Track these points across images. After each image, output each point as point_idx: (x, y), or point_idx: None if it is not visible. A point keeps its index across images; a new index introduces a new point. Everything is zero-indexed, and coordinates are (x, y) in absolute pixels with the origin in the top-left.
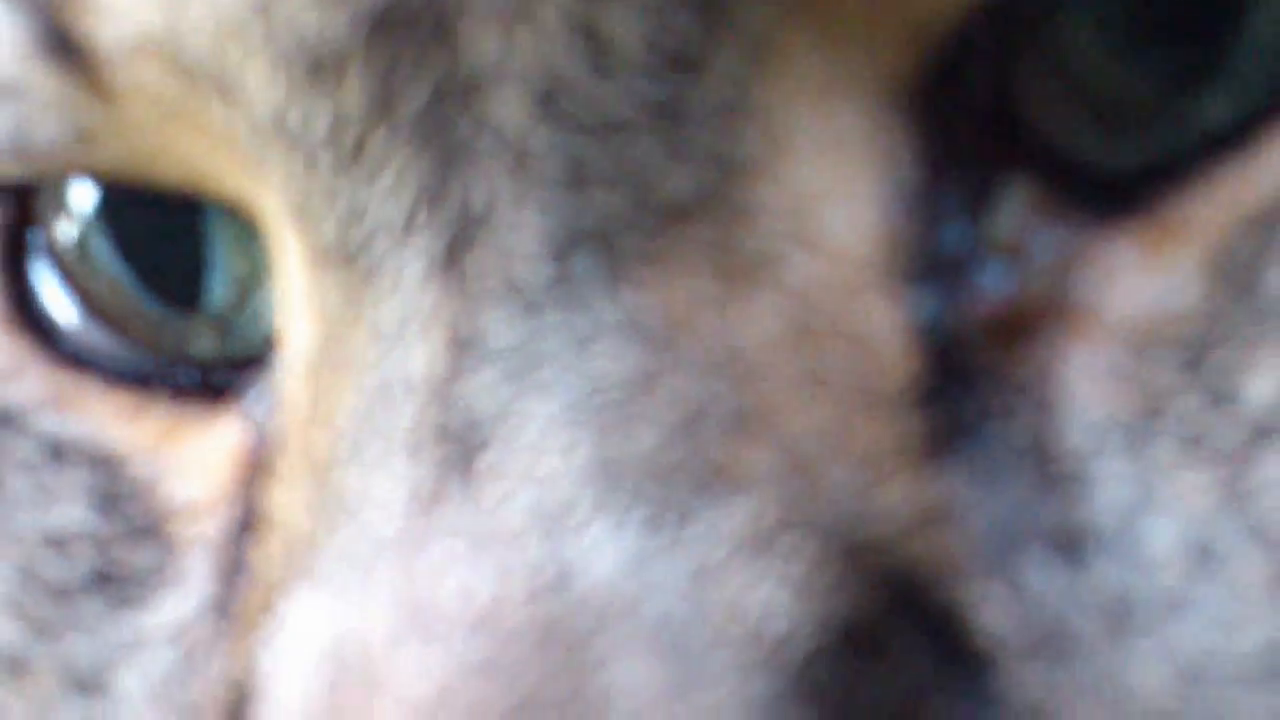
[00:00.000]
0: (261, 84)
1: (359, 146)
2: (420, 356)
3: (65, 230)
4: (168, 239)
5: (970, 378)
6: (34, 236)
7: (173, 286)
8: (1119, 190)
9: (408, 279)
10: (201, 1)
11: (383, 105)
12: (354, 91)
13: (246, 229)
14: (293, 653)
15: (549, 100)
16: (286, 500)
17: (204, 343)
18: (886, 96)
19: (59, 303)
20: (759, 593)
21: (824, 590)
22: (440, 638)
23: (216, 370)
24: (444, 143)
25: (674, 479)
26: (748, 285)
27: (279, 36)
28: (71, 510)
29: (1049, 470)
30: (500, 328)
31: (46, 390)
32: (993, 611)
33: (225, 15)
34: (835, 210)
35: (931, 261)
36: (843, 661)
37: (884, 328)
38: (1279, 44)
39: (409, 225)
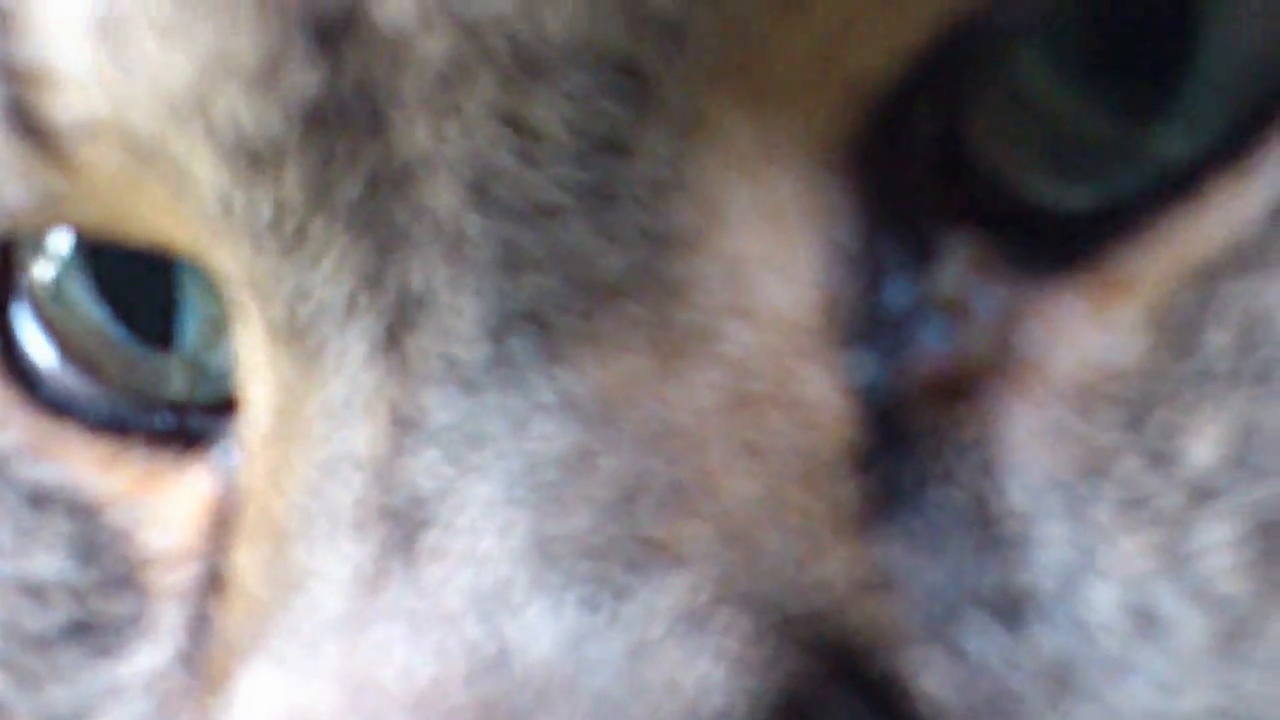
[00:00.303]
0: (207, 171)
1: (300, 233)
2: (364, 435)
3: (42, 273)
4: (141, 279)
5: (910, 440)
6: (16, 284)
7: (147, 326)
8: (1066, 242)
9: (351, 359)
10: (146, 91)
11: (320, 194)
12: (292, 181)
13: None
14: None
15: (479, 188)
16: (247, 564)
17: (177, 383)
18: (823, 158)
19: (39, 348)
20: (695, 669)
21: (760, 664)
22: (383, 717)
23: (191, 414)
24: (381, 229)
25: (610, 557)
26: (683, 359)
27: (218, 128)
28: (51, 559)
29: (989, 533)
30: (440, 408)
31: (28, 438)
32: (934, 678)
33: (168, 106)
34: (772, 278)
35: (872, 322)
36: None
37: (822, 393)
38: (1228, 81)
39: (351, 308)
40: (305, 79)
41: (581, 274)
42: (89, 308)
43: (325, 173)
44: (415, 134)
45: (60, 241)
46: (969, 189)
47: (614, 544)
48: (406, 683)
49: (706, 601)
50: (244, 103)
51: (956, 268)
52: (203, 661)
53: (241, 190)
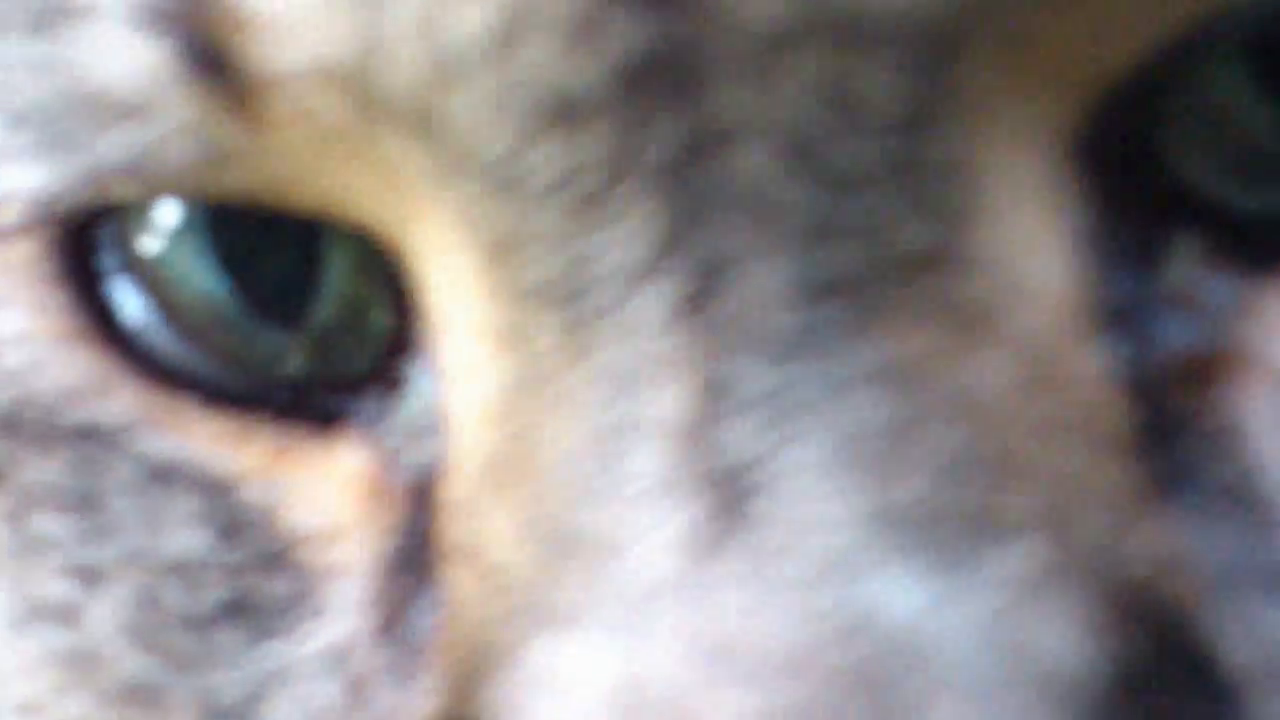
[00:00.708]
0: (478, 127)
1: (596, 194)
2: (666, 401)
3: (149, 245)
4: (267, 256)
5: (1172, 426)
6: (113, 249)
7: (268, 302)
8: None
9: (645, 323)
10: (415, 39)
11: (628, 155)
12: (598, 141)
13: (374, 255)
14: (562, 693)
15: (797, 155)
16: (486, 537)
17: (298, 362)
18: (1066, 149)
19: (144, 319)
20: (1050, 633)
21: (1104, 629)
22: (755, 679)
23: (314, 392)
24: (688, 192)
25: (948, 524)
26: (974, 336)
27: (516, 83)
28: (189, 536)
29: (1257, 514)
30: (752, 375)
31: (140, 409)
32: (1234, 647)
33: (448, 56)
34: (1036, 262)
35: (1116, 313)
36: (1128, 699)
37: (1092, 376)
38: None
39: (647, 271)
40: (627, 35)
41: (886, 245)
42: (204, 281)
43: (637, 133)
44: (736, 97)
45: (169, 213)
46: (1175, 194)
47: (950, 511)
48: (774, 644)
49: (1048, 568)
50: (554, 57)
51: (1184, 262)
52: (415, 636)
53: (525, 148)
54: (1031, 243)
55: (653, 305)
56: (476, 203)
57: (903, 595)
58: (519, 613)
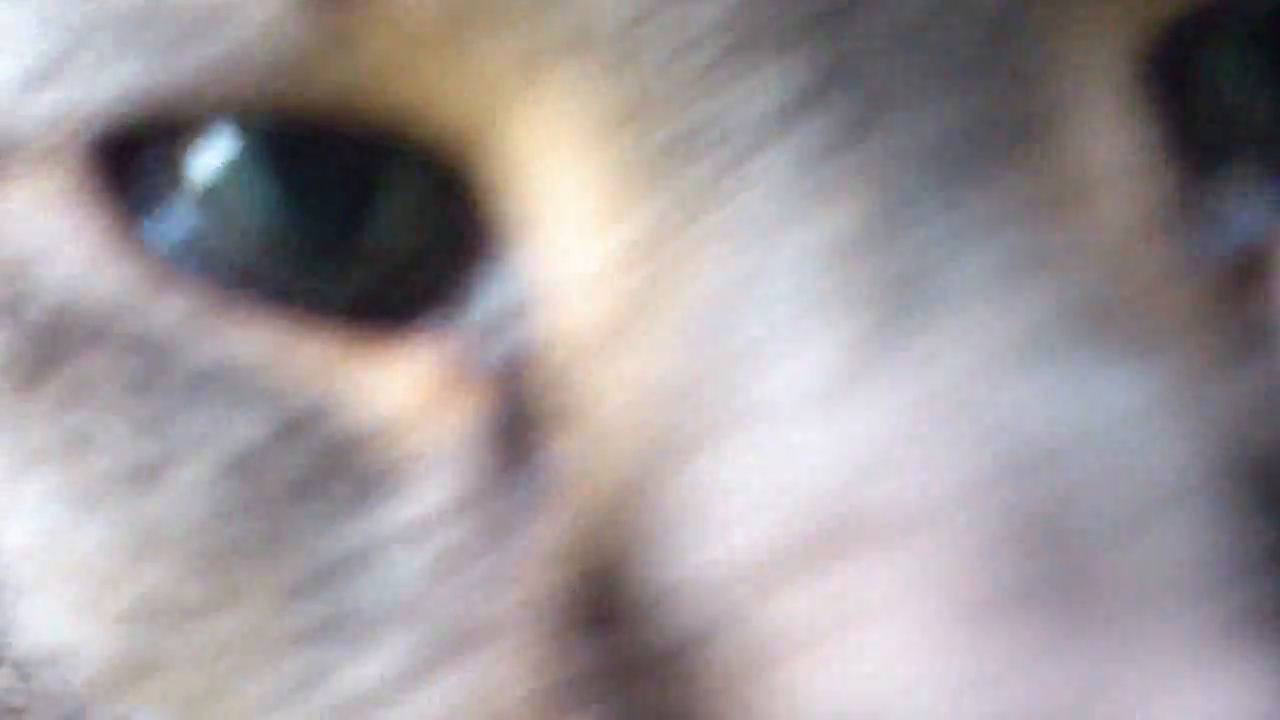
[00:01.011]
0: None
1: (738, 46)
2: (810, 235)
3: (203, 168)
4: (322, 194)
5: (1231, 311)
6: (163, 174)
7: (324, 230)
8: None
9: (787, 166)
10: None
11: (757, 14)
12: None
13: (435, 180)
14: (716, 505)
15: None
16: (613, 390)
17: (349, 290)
18: (1132, 70)
19: (194, 236)
20: (1176, 447)
21: (1234, 434)
22: (910, 475)
23: (376, 303)
24: (824, 42)
25: (1093, 337)
26: (1079, 200)
27: None
28: (258, 427)
29: None
30: (900, 208)
31: (194, 314)
32: None
33: None
34: (1111, 161)
35: (1177, 213)
36: (1251, 504)
37: (1162, 264)
38: None
39: (787, 119)
40: None
41: (1021, 100)
42: (256, 212)
43: None
44: None
45: (227, 143)
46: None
47: (1094, 327)
48: (941, 434)
49: (1186, 380)
50: None
51: (1228, 182)
52: (512, 503)
53: (661, 10)
54: (1105, 144)
55: (794, 150)
56: (593, 77)
57: (1055, 395)
58: (660, 444)
